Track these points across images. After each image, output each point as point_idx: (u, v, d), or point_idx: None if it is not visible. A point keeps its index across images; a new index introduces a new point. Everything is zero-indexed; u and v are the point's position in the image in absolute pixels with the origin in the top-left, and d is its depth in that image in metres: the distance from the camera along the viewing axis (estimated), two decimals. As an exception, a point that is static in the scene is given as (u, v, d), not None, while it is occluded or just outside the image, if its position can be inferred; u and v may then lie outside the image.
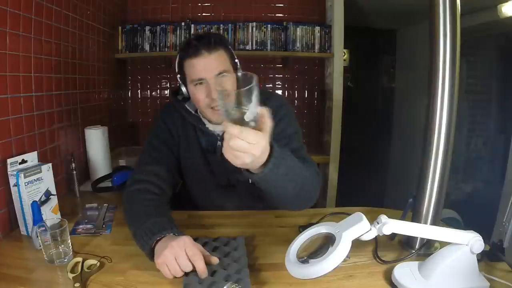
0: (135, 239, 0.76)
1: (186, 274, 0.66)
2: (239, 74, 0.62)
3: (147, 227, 0.73)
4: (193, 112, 1.00)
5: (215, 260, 0.69)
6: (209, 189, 1.05)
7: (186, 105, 1.01)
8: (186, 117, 1.00)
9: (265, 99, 0.98)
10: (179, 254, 0.65)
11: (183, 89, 0.96)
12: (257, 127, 0.59)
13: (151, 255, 0.71)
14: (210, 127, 0.99)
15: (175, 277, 0.66)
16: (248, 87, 0.55)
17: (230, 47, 0.94)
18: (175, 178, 1.04)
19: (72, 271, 0.69)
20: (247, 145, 0.57)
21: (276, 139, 0.89)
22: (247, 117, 0.57)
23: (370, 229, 0.64)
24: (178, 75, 0.95)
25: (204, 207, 1.06)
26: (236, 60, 0.96)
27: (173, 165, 1.01)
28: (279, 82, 2.28)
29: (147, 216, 0.78)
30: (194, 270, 0.66)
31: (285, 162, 0.68)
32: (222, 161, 0.95)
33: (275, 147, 0.65)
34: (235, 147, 0.58)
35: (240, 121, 0.57)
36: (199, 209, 1.07)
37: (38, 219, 0.84)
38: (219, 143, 0.98)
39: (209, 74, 0.88)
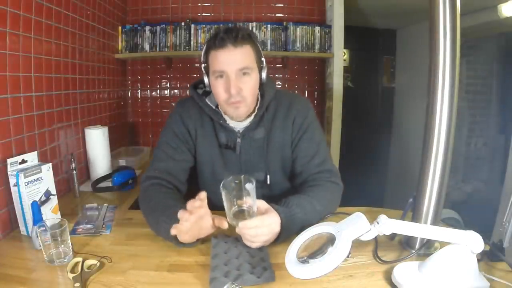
0: (157, 231, 0.81)
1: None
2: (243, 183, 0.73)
3: (168, 215, 0.77)
4: (213, 107, 0.99)
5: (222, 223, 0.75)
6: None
7: (206, 100, 0.99)
8: (206, 111, 0.98)
9: (291, 101, 1.02)
10: (183, 216, 0.71)
11: (206, 79, 0.94)
12: (258, 212, 0.74)
13: (175, 240, 0.76)
14: (231, 123, 0.98)
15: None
16: (249, 190, 0.70)
17: (258, 44, 0.93)
18: (188, 174, 1.03)
19: (72, 271, 0.69)
20: (268, 227, 0.74)
21: (307, 148, 0.98)
22: (251, 213, 0.72)
23: (370, 229, 0.64)
24: (203, 65, 0.93)
25: (213, 204, 1.06)
26: (263, 59, 0.94)
27: (187, 161, 1.01)
28: (279, 82, 2.27)
29: (165, 207, 0.81)
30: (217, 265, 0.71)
31: (296, 219, 0.79)
32: (239, 158, 1.00)
33: (282, 218, 0.77)
34: (260, 234, 0.73)
35: (245, 216, 0.72)
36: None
37: (38, 219, 0.84)
38: (238, 140, 0.99)
39: (231, 68, 0.86)
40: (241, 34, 0.86)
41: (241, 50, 0.86)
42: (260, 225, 0.72)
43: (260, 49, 0.94)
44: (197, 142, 1.01)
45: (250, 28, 2.05)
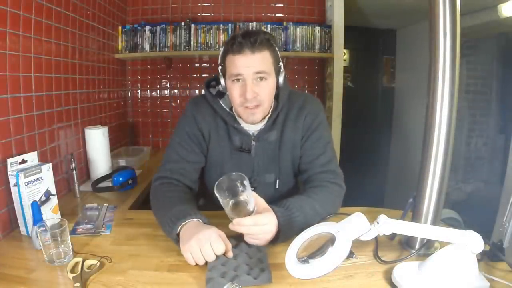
0: (162, 227, 0.81)
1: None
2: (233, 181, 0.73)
3: (172, 214, 0.78)
4: (227, 109, 0.98)
5: (230, 255, 0.73)
6: None
7: (221, 102, 0.99)
8: (220, 114, 0.98)
9: (303, 101, 1.01)
10: (204, 245, 0.69)
11: (222, 81, 0.93)
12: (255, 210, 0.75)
13: (176, 240, 0.76)
14: (245, 126, 0.98)
15: (196, 264, 0.71)
16: (245, 185, 0.71)
17: (277, 49, 0.92)
18: (199, 174, 1.04)
19: (72, 271, 0.69)
20: (263, 227, 0.73)
21: (313, 147, 0.98)
22: (247, 209, 0.73)
23: (370, 229, 0.64)
24: (219, 67, 0.93)
25: (218, 205, 1.06)
26: (280, 64, 0.94)
27: (199, 162, 1.01)
28: (279, 82, 2.27)
29: (172, 204, 0.82)
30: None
31: (295, 222, 0.78)
32: (254, 160, 1.01)
33: (280, 221, 0.76)
34: (254, 232, 0.74)
35: (245, 213, 0.73)
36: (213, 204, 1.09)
37: (38, 219, 0.85)
38: (253, 142, 0.99)
39: (247, 71, 0.86)
40: (259, 40, 0.85)
41: (258, 56, 0.86)
42: (254, 224, 0.72)
43: (278, 53, 0.94)
44: (210, 144, 1.01)
45: (250, 28, 2.05)
